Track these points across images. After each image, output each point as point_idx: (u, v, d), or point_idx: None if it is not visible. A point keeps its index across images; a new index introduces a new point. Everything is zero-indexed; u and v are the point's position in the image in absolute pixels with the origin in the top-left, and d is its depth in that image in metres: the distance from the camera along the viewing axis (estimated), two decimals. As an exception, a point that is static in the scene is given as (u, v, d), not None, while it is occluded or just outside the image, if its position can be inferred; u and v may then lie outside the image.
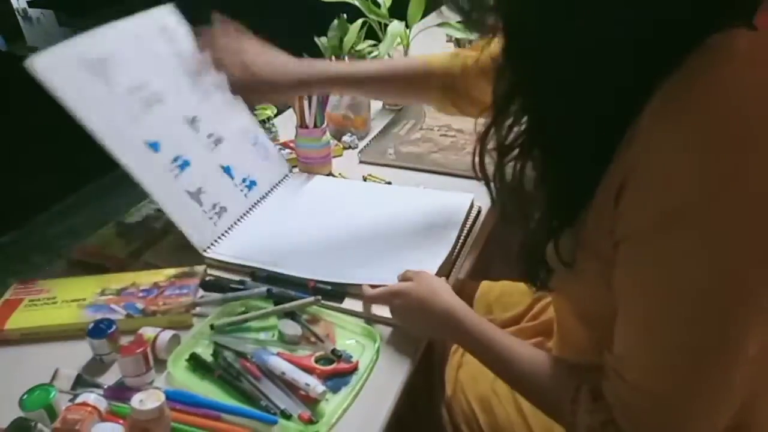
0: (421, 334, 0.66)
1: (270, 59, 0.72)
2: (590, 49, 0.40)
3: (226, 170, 0.86)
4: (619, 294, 0.44)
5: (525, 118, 0.45)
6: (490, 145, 0.47)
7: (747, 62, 0.39)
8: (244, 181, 0.88)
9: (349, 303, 0.69)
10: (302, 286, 0.71)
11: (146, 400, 0.50)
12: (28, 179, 2.16)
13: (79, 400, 0.55)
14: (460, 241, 0.80)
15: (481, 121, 0.49)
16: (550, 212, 0.46)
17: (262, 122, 1.09)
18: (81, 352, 0.64)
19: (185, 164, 0.80)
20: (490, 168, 0.49)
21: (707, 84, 0.38)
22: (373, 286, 0.67)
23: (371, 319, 0.67)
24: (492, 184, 0.49)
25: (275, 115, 1.10)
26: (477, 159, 0.49)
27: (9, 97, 2.68)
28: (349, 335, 0.65)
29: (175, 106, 0.81)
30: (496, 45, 0.46)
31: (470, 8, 0.45)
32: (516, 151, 0.46)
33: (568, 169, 0.44)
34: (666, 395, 0.42)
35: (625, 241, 0.42)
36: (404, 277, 0.67)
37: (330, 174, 0.98)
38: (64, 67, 0.70)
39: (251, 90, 0.73)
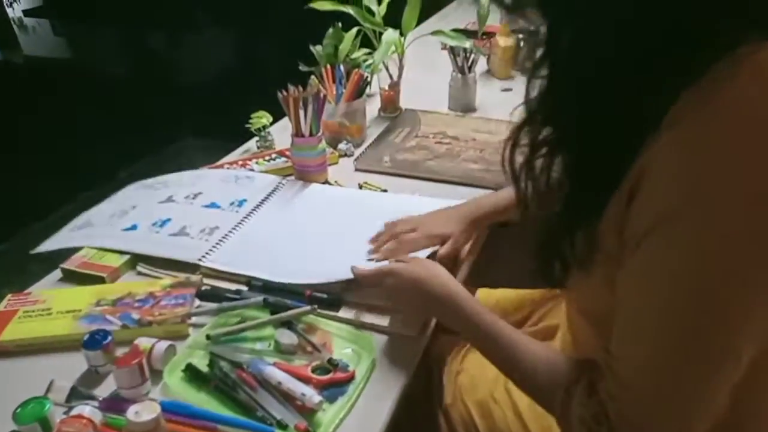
0: (414, 314, 0.67)
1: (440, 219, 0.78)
2: (623, 49, 0.41)
3: (212, 205, 0.91)
4: (618, 293, 0.44)
5: (556, 117, 0.46)
6: (523, 141, 0.48)
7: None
8: (232, 203, 0.91)
9: (345, 312, 0.69)
10: (299, 295, 0.71)
11: (142, 412, 0.50)
12: (24, 187, 2.16)
13: (74, 412, 0.54)
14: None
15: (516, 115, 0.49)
16: (572, 209, 0.47)
17: (258, 131, 1.09)
18: (76, 363, 0.63)
19: (165, 221, 0.87)
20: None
21: (722, 95, 0.39)
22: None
23: (368, 328, 0.67)
24: (518, 179, 0.50)
25: (271, 124, 1.10)
26: (507, 153, 0.49)
27: (6, 106, 2.68)
28: (345, 344, 0.65)
29: (146, 207, 0.92)
30: None
31: (512, 2, 0.46)
32: (546, 148, 0.47)
33: (593, 168, 0.45)
34: (656, 395, 0.42)
35: (628, 243, 0.43)
36: (398, 260, 0.68)
37: (326, 182, 0.98)
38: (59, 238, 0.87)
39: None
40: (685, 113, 0.39)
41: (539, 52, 0.45)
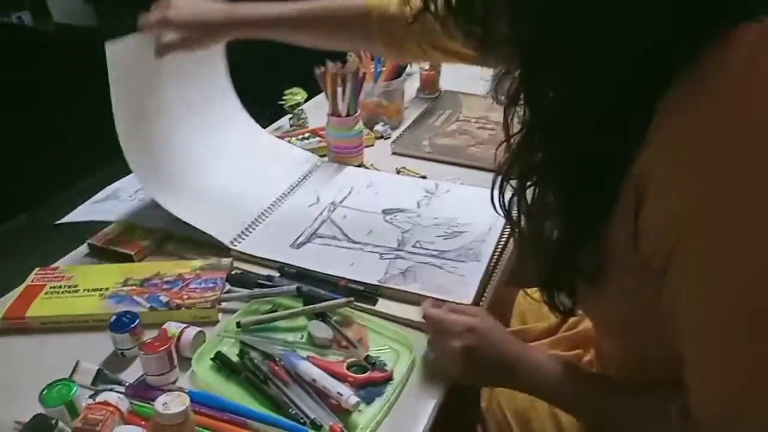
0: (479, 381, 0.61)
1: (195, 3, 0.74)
2: (604, 53, 0.38)
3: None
4: (677, 321, 0.40)
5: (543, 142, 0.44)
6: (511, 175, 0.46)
7: (760, 59, 0.36)
8: None
9: (382, 305, 0.65)
10: (333, 284, 0.67)
11: (170, 404, 0.47)
12: (49, 156, 2.16)
13: (100, 398, 0.52)
14: (500, 246, 0.75)
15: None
16: (570, 231, 0.45)
17: (291, 107, 1.05)
18: (102, 343, 0.61)
19: None
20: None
21: (715, 86, 0.36)
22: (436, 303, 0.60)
23: (407, 324, 0.63)
24: (511, 214, 0.48)
25: (305, 101, 1.06)
26: (497, 192, 0.47)
27: (35, 73, 2.69)
28: (383, 341, 0.61)
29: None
30: None
31: (485, 38, 0.43)
32: (536, 176, 0.45)
33: (588, 181, 0.42)
34: (748, 420, 0.38)
35: (655, 255, 0.39)
36: (454, 310, 0.58)
37: (361, 165, 0.93)
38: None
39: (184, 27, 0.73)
40: (677, 112, 0.36)
41: (513, 84, 0.42)
